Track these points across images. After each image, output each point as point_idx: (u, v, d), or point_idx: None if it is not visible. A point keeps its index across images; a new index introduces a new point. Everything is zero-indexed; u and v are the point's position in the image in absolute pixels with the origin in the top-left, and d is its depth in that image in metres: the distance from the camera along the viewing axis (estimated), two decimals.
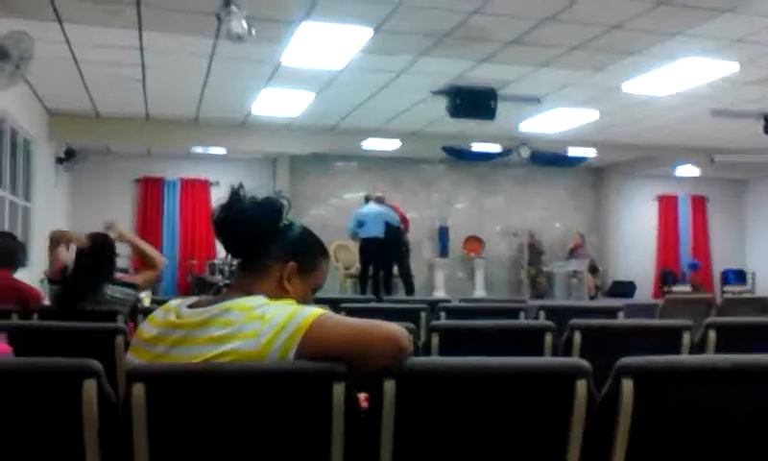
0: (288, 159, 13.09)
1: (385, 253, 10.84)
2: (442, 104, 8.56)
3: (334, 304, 3.67)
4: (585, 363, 1.63)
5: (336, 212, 13.52)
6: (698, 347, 2.96)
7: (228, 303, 1.67)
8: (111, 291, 3.87)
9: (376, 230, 10.63)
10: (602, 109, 9.59)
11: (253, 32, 5.69)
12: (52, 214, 10.44)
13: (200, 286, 11.46)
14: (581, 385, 1.61)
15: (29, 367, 1.67)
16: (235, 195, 1.80)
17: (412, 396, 1.59)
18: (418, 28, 6.49)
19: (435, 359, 1.72)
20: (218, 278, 11.42)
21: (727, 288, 14.48)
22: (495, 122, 8.82)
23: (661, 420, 1.67)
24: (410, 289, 11.35)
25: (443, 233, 13.79)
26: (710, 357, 1.83)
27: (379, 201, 11.19)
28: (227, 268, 11.31)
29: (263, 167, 13.34)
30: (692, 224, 15.51)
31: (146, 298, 5.62)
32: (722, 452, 1.71)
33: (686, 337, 2.90)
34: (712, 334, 2.96)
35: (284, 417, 1.61)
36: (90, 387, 1.60)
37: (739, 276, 14.95)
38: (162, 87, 8.75)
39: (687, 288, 14.24)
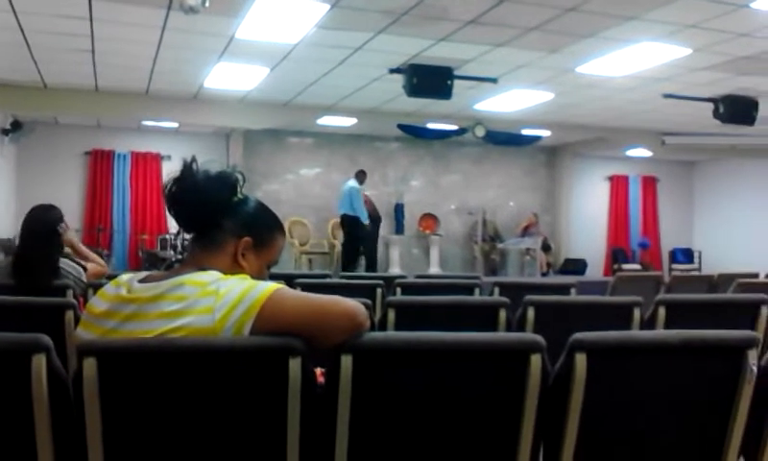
0: (242, 134, 12.93)
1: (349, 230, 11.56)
2: (398, 82, 8.53)
3: (289, 280, 3.64)
4: (539, 338, 1.65)
5: (291, 188, 13.48)
6: (648, 323, 3.03)
7: (181, 278, 1.65)
8: (63, 264, 3.81)
9: (343, 208, 11.56)
10: (557, 89, 9.68)
11: (207, 4, 5.58)
12: None
13: (151, 261, 11.31)
14: (535, 360, 1.63)
15: None
16: (188, 168, 1.77)
17: (369, 371, 1.60)
18: (375, 5, 6.44)
19: (392, 334, 1.73)
20: (170, 253, 11.27)
21: (675, 266, 14.84)
22: (451, 101, 8.83)
23: (613, 393, 1.71)
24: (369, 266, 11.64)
25: (398, 211, 13.82)
26: (661, 333, 1.87)
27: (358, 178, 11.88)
28: (178, 243, 11.18)
29: (216, 142, 13.17)
30: (642, 204, 15.81)
31: None
32: (671, 424, 1.76)
33: (637, 313, 2.97)
34: (662, 311, 3.02)
35: (240, 393, 1.60)
36: (39, 363, 1.57)
37: (687, 254, 15.33)
38: (112, 59, 8.54)
39: (637, 266, 14.55)
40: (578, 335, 1.67)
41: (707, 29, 6.85)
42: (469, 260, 14.42)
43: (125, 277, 1.74)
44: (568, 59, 8.07)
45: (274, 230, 1.87)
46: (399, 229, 13.74)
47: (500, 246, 13.88)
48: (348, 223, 11.52)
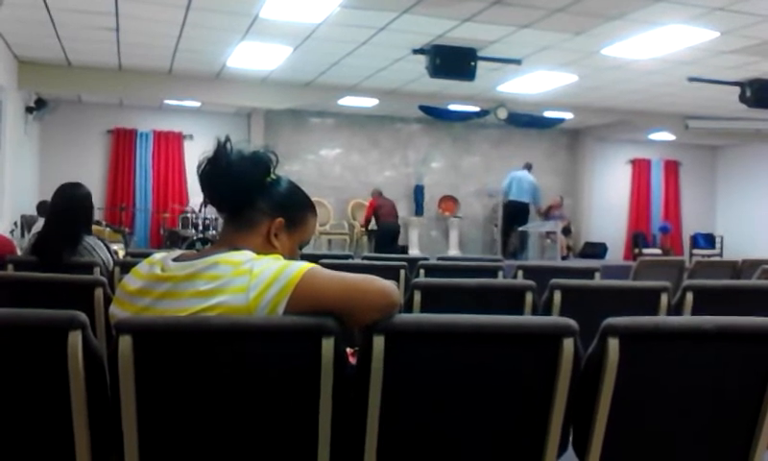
0: (263, 114, 12.94)
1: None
2: (421, 63, 8.48)
3: (313, 260, 3.64)
4: (572, 322, 1.64)
5: (311, 168, 13.48)
6: (675, 309, 3.00)
7: (216, 258, 1.65)
8: (90, 241, 3.84)
9: (515, 195, 12.43)
10: (581, 72, 9.59)
11: None
12: (21, 164, 10.25)
13: (172, 239, 11.38)
14: (568, 344, 1.62)
15: (12, 318, 1.64)
16: (222, 148, 1.76)
17: (401, 352, 1.60)
18: None
19: (425, 316, 1.72)
20: (191, 231, 11.33)
21: (696, 251, 14.71)
22: (474, 82, 8.78)
23: (645, 379, 1.70)
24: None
25: (418, 192, 13.81)
26: (695, 319, 1.86)
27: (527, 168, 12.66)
28: (200, 222, 11.24)
29: (237, 121, 13.19)
30: (664, 188, 15.68)
31: (119, 250, 5.58)
32: (701, 411, 1.75)
33: (664, 299, 2.94)
34: (690, 296, 3.00)
35: (273, 372, 1.61)
36: (75, 339, 1.58)
37: (708, 239, 15.19)
38: (136, 38, 8.56)
39: (657, 251, 14.43)
40: (611, 320, 1.66)
41: (735, 12, 6.75)
42: (489, 243, 14.38)
43: (158, 255, 1.75)
44: (594, 41, 7.99)
45: (306, 211, 1.88)
46: (419, 210, 13.73)
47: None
48: (518, 210, 12.39)
